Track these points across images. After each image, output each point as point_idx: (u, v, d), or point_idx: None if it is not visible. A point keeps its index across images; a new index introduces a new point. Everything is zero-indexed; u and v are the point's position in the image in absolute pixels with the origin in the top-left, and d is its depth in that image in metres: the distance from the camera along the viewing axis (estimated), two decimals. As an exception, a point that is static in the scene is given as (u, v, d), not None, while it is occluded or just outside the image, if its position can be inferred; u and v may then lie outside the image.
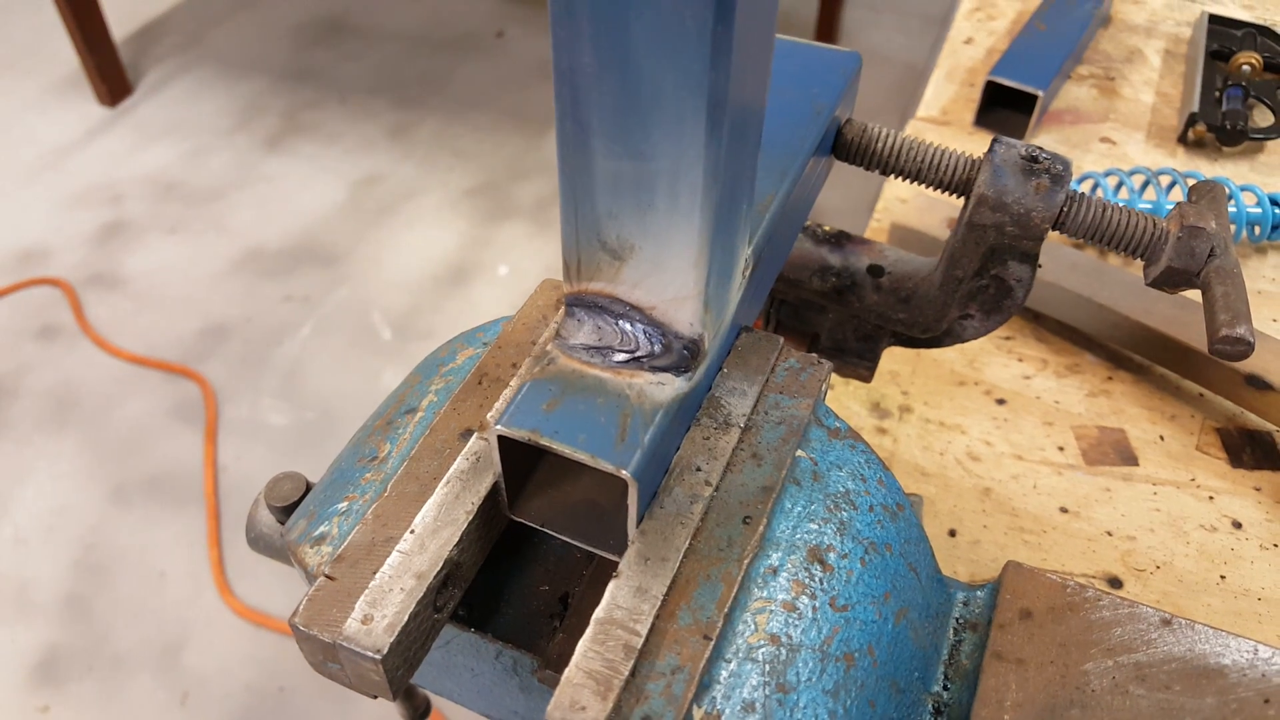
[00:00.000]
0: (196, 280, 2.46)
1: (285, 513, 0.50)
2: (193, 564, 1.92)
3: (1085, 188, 0.92)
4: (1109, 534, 0.71)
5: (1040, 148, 0.53)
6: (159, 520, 1.99)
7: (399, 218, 2.64)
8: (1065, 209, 0.52)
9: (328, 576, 0.37)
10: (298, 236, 2.58)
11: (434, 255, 2.53)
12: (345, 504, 0.42)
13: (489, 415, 0.42)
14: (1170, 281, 0.52)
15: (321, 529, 0.41)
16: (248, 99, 3.01)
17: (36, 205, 2.65)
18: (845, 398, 0.80)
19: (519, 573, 0.43)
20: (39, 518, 1.99)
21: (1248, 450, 0.77)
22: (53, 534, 1.96)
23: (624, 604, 0.36)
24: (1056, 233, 0.53)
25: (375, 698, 0.37)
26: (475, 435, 0.41)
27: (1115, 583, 0.68)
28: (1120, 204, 0.53)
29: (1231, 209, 0.88)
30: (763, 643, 0.36)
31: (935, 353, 0.84)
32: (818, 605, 0.38)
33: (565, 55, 0.31)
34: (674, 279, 0.36)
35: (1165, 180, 0.90)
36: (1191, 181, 0.88)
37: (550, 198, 2.68)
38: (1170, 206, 0.88)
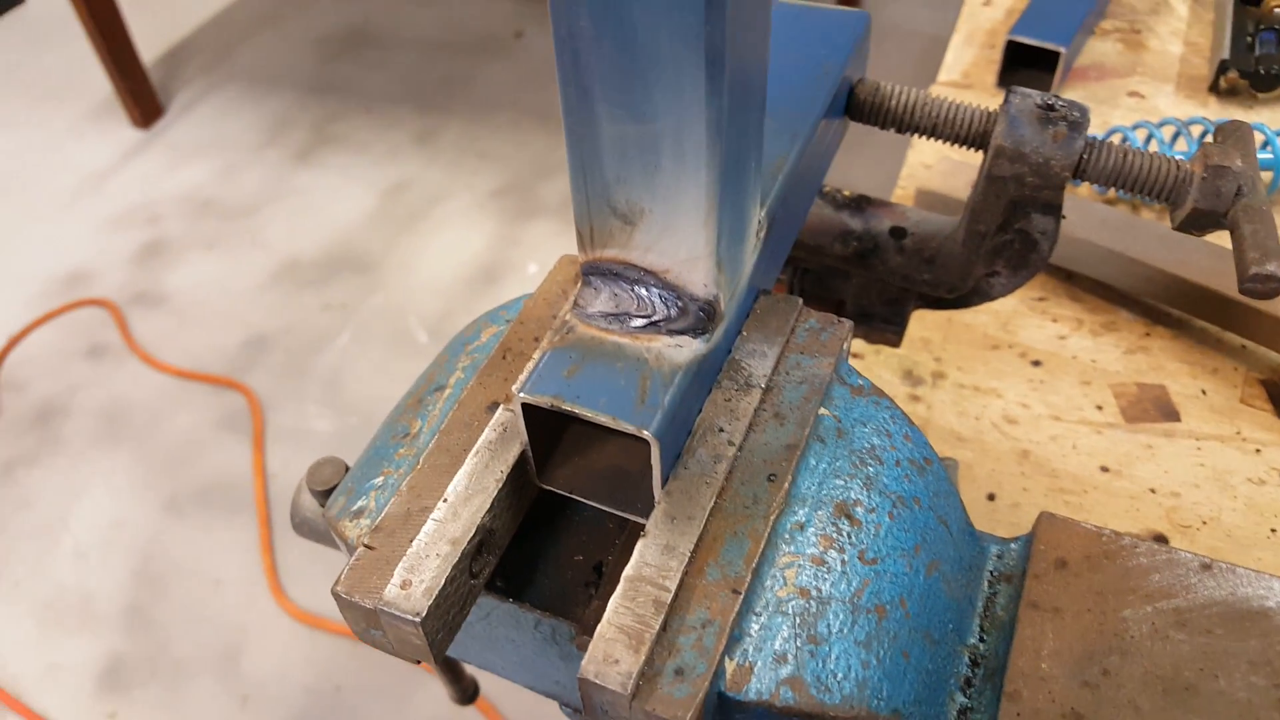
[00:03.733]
0: (236, 294, 2.51)
1: (327, 496, 0.51)
2: (247, 570, 1.96)
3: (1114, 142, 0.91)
4: (1152, 491, 0.70)
5: (1056, 95, 0.52)
6: (212, 529, 2.03)
7: (428, 222, 2.66)
8: (1085, 156, 0.51)
9: (367, 546, 0.38)
10: (332, 246, 2.62)
11: (464, 258, 2.55)
12: (381, 479, 0.43)
13: (514, 387, 0.43)
14: (1197, 223, 0.51)
15: (360, 503, 0.42)
16: (276, 114, 3.05)
17: (79, 229, 2.71)
18: (877, 366, 0.80)
19: (554, 544, 0.44)
20: (97, 531, 2.04)
21: (1293, 399, 0.75)
22: (111, 547, 2.01)
23: (652, 561, 0.36)
24: (1082, 185, 0.53)
25: (418, 663, 0.38)
26: (501, 407, 0.42)
27: (1161, 540, 0.68)
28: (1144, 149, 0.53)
29: (1268, 156, 0.86)
30: (792, 596, 0.37)
31: (968, 317, 0.84)
32: (846, 559, 0.38)
33: (563, 21, 0.31)
34: (685, 240, 0.36)
35: (1197, 130, 0.88)
36: (1222, 130, 0.86)
37: (578, 193, 2.68)
38: (1201, 156, 0.86)
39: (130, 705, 1.77)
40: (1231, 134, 0.54)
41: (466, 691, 0.68)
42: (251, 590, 1.93)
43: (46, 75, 3.32)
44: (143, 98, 2.97)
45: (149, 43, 3.25)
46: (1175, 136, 0.87)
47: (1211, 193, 0.50)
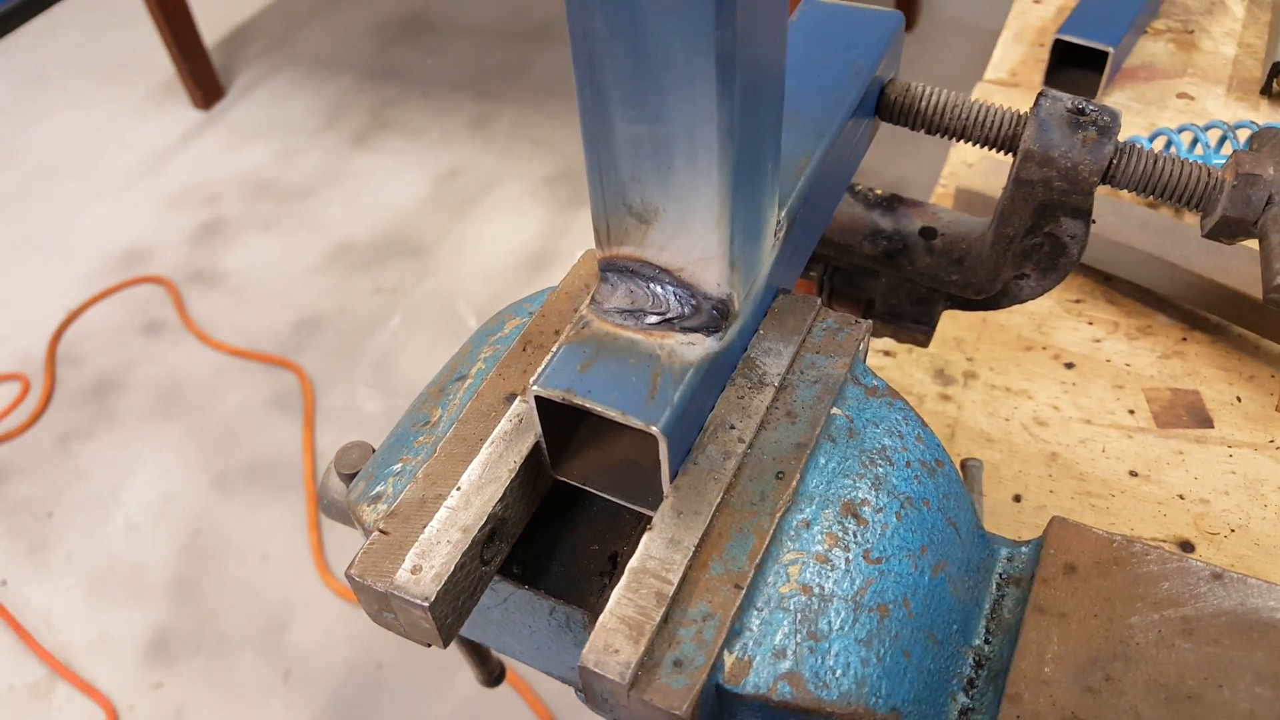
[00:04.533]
0: (291, 275, 2.56)
1: (354, 479, 0.53)
2: (293, 547, 2.01)
3: (1158, 145, 0.89)
4: (1181, 497, 0.70)
5: (1087, 99, 0.52)
6: (261, 506, 2.08)
7: (481, 208, 2.69)
8: (1114, 161, 0.51)
9: (381, 531, 0.39)
10: (385, 230, 2.66)
11: (515, 244, 2.58)
12: (400, 465, 0.44)
13: (530, 379, 0.44)
14: (1226, 231, 0.50)
15: (378, 489, 0.44)
16: (334, 98, 3.10)
17: (139, 208, 2.79)
18: (908, 364, 0.80)
19: (571, 532, 0.45)
20: (149, 505, 2.10)
21: (1334, 410, 0.74)
22: (162, 520, 2.07)
23: (657, 554, 0.37)
24: (1112, 188, 0.52)
25: (429, 646, 0.40)
26: (518, 398, 0.43)
27: (1187, 546, 0.67)
28: (1192, 159, 0.52)
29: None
30: (794, 592, 0.37)
31: (1002, 318, 0.83)
32: (851, 557, 0.39)
33: (579, 22, 0.32)
34: (698, 240, 0.37)
35: (1244, 134, 0.86)
36: (1273, 133, 0.84)
37: (626, 182, 2.69)
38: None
39: (176, 676, 1.83)
40: (1267, 141, 0.53)
41: (493, 674, 0.70)
42: (298, 567, 1.98)
43: (110, 56, 3.41)
44: (204, 79, 3.04)
45: (211, 25, 3.32)
46: (1221, 140, 0.86)
47: (1242, 201, 0.49)
